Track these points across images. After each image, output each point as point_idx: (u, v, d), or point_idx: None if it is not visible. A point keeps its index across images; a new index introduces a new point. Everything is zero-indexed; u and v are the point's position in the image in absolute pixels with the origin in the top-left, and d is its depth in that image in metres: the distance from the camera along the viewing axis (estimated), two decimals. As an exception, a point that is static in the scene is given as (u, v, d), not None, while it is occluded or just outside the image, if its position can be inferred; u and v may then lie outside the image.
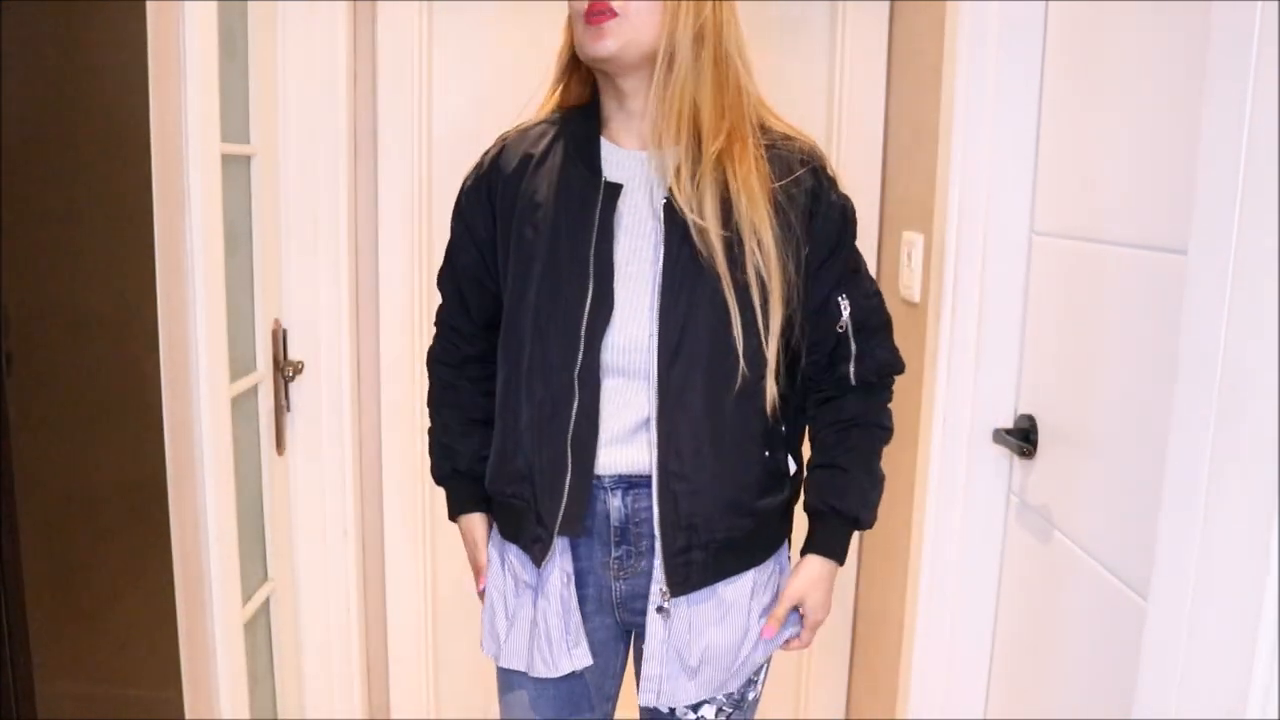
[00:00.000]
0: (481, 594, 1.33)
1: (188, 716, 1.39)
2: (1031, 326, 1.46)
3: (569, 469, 1.18)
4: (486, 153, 1.28)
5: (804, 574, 1.26)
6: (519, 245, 1.20)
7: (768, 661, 1.31)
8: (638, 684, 1.26)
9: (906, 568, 1.71)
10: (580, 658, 1.23)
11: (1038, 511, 1.42)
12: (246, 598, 1.74)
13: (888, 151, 1.93)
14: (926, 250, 1.66)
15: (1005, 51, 1.43)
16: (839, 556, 1.27)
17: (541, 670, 1.23)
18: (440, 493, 1.37)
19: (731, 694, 1.27)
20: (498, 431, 1.26)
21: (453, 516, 1.36)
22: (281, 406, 1.89)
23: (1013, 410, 1.50)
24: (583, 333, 1.16)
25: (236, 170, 1.71)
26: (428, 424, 1.38)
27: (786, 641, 1.29)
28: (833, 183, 1.23)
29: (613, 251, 1.17)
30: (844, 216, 1.24)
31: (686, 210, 1.14)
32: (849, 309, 1.23)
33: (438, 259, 1.36)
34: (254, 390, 1.82)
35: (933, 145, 1.62)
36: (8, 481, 0.96)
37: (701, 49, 1.13)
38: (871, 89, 1.92)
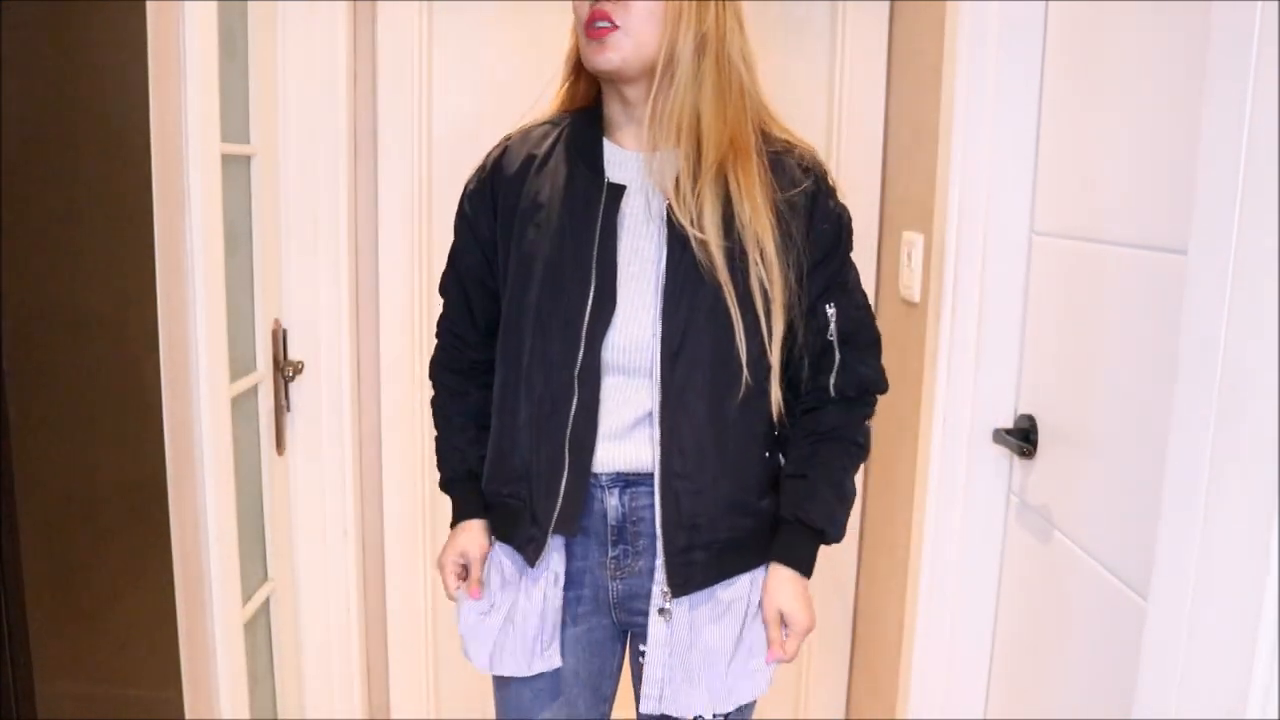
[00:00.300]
0: (453, 595, 1.30)
1: (188, 716, 1.39)
2: (1031, 326, 1.46)
3: (566, 467, 1.18)
4: (489, 154, 1.28)
5: (772, 587, 1.23)
6: (520, 245, 1.20)
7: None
8: (636, 691, 1.26)
9: (906, 568, 1.71)
10: (550, 659, 1.23)
11: (1038, 511, 1.42)
12: (246, 598, 1.74)
13: (888, 151, 1.93)
14: (926, 250, 1.66)
15: (1005, 51, 1.43)
16: (803, 568, 1.23)
17: (509, 668, 1.24)
18: (440, 492, 1.37)
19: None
20: (495, 431, 1.26)
21: (458, 520, 1.32)
22: (281, 406, 1.89)
23: (1013, 410, 1.50)
24: (584, 331, 1.16)
25: (236, 170, 1.71)
26: (428, 424, 1.38)
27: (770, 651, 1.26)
28: (832, 191, 1.23)
29: (616, 251, 1.17)
30: (839, 225, 1.23)
31: (686, 224, 1.14)
32: (836, 317, 1.22)
33: (438, 259, 1.36)
34: (254, 390, 1.82)
35: (933, 145, 1.62)
36: (8, 481, 0.96)
37: (703, 57, 1.13)
38: (871, 89, 1.92)
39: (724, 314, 1.14)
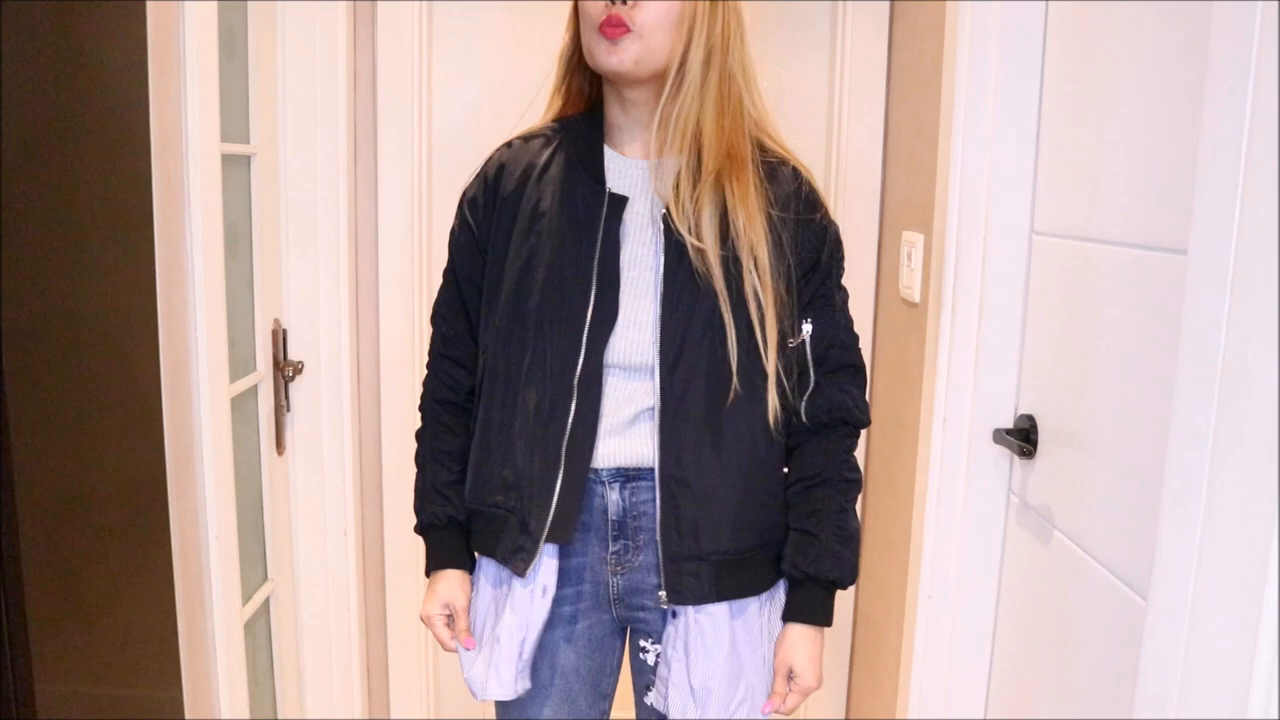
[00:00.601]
0: (450, 647, 1.27)
1: (188, 716, 1.39)
2: (1031, 326, 1.45)
3: (560, 473, 1.17)
4: (489, 160, 1.28)
5: (787, 643, 1.23)
6: (520, 253, 1.20)
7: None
8: (634, 687, 1.26)
9: (906, 568, 1.71)
10: (520, 685, 1.22)
11: (1038, 511, 1.42)
12: (246, 598, 1.74)
13: (888, 151, 1.93)
14: (926, 250, 1.66)
15: (1005, 52, 1.43)
16: (821, 620, 1.23)
17: (494, 691, 1.21)
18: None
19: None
20: (480, 442, 1.24)
21: (436, 568, 1.28)
22: (281, 406, 1.89)
23: (1013, 410, 1.50)
24: (584, 338, 1.16)
25: (236, 170, 1.71)
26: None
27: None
28: (821, 206, 1.23)
29: (618, 259, 1.17)
30: (825, 238, 1.22)
31: (684, 231, 1.14)
32: (811, 334, 1.21)
33: (438, 259, 1.36)
34: (254, 390, 1.82)
35: (933, 145, 1.62)
36: (8, 481, 0.97)
37: (709, 69, 1.13)
38: (872, 89, 1.92)
39: (719, 321, 1.15)
